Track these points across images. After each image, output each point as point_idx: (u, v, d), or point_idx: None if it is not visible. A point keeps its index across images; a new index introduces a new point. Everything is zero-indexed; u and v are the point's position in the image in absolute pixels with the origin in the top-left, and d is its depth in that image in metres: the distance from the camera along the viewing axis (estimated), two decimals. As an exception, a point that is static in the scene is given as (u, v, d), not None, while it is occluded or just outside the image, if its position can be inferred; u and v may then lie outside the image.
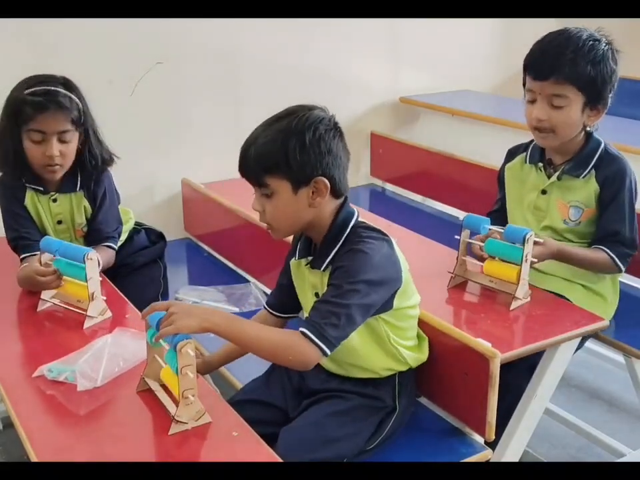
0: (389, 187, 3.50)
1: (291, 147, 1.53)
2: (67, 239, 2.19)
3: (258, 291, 2.49)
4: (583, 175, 2.05)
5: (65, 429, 1.49)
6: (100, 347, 1.70)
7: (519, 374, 1.90)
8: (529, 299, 1.94)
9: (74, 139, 2.09)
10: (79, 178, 2.18)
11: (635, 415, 2.67)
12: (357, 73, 3.42)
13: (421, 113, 3.68)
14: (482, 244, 2.00)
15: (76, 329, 1.84)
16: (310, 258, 1.68)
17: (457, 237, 2.03)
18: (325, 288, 1.61)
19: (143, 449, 1.45)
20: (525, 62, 2.02)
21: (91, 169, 2.17)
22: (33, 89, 2.03)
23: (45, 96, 2.02)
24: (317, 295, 1.67)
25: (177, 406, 1.46)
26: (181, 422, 1.46)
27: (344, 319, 1.51)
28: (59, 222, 2.22)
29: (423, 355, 1.74)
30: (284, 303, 1.82)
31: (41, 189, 2.17)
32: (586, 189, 2.05)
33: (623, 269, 2.07)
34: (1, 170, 2.15)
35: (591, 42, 1.95)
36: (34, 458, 1.40)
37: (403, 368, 1.71)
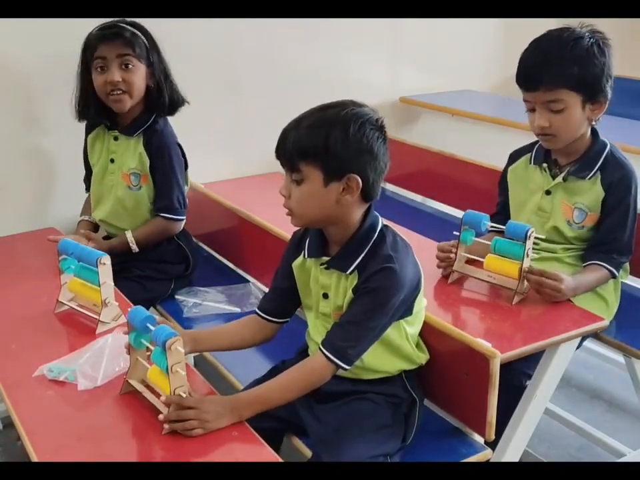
0: (389, 187, 3.49)
1: (332, 137, 1.50)
2: (113, 179, 2.30)
3: (258, 290, 2.49)
4: (589, 177, 2.04)
5: (65, 429, 1.49)
6: (100, 347, 1.71)
7: (519, 374, 1.90)
8: (527, 293, 1.95)
9: (138, 68, 2.18)
10: (144, 123, 2.26)
11: (635, 415, 2.67)
12: (357, 73, 3.41)
13: (421, 113, 3.68)
14: (488, 242, 2.00)
15: (84, 332, 1.83)
16: (325, 258, 1.64)
17: (455, 232, 2.03)
18: (342, 291, 1.60)
19: (143, 448, 1.46)
20: (515, 76, 2.02)
21: (160, 107, 2.25)
22: (99, 27, 2.18)
23: (108, 29, 2.16)
24: (325, 295, 1.65)
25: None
26: None
27: (369, 338, 1.58)
28: (112, 160, 2.30)
29: (426, 354, 1.75)
30: (282, 308, 1.75)
31: (108, 122, 2.27)
32: (591, 192, 2.04)
33: (618, 274, 2.07)
34: (78, 112, 2.27)
35: (572, 41, 1.94)
36: (34, 458, 1.40)
37: (413, 366, 1.72)
